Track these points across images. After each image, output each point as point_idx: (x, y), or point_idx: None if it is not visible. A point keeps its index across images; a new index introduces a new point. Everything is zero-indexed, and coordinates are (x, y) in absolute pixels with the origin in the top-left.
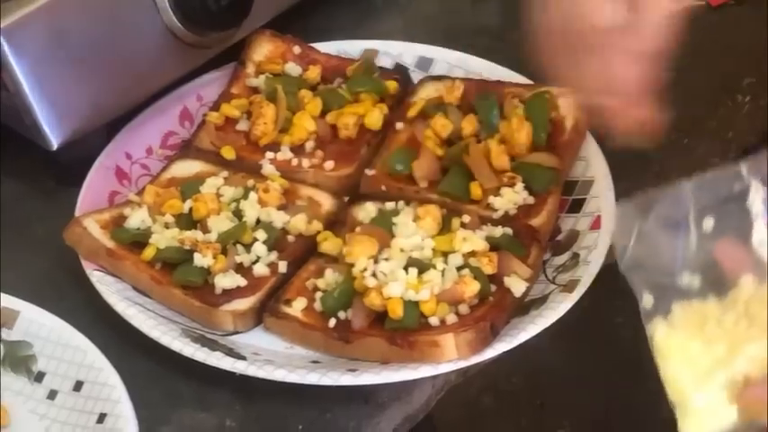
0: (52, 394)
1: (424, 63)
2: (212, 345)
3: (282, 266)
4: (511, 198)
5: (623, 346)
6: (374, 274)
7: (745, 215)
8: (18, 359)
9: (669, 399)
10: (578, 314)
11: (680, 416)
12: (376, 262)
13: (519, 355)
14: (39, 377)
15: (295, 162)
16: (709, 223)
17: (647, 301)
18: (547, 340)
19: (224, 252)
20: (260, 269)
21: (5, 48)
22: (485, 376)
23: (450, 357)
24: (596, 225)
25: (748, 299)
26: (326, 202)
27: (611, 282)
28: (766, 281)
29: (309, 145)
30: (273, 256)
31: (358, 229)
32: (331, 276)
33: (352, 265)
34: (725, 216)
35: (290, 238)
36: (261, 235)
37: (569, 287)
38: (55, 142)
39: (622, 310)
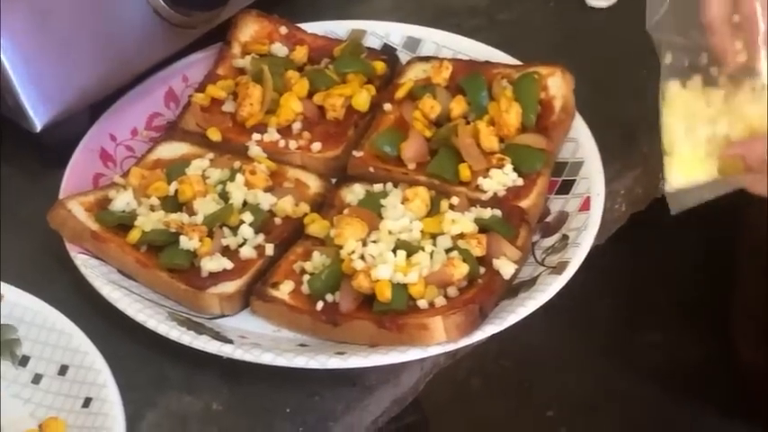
0: (37, 378)
1: (412, 44)
2: (199, 328)
3: (269, 249)
4: (500, 179)
5: (611, 328)
6: (362, 257)
7: None
8: (2, 343)
9: (662, 146)
10: (566, 296)
11: (667, 162)
12: (364, 244)
13: (507, 337)
14: (23, 361)
15: (282, 144)
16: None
17: (667, 58)
18: (535, 322)
19: (210, 235)
20: (247, 252)
21: None
22: (473, 358)
23: (438, 340)
24: (586, 206)
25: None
26: (314, 184)
27: (599, 263)
28: None
29: (296, 126)
30: (260, 238)
31: (346, 211)
32: (318, 259)
33: (339, 248)
34: None
35: (277, 220)
36: (247, 217)
37: (558, 269)
38: (39, 124)
39: (610, 292)
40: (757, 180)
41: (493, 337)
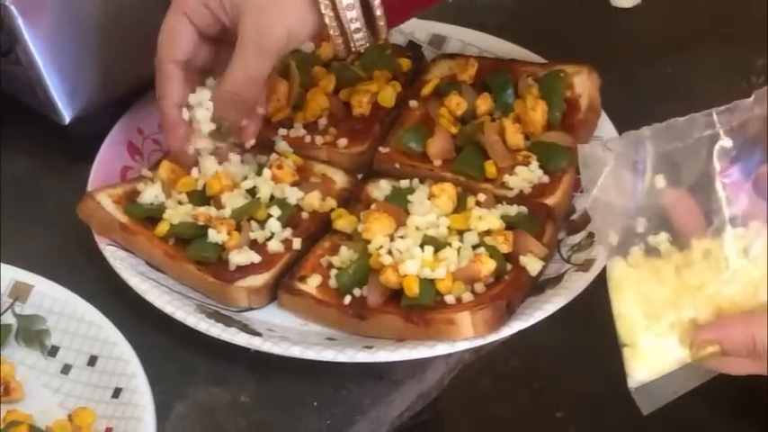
0: (66, 369)
1: (438, 41)
2: (227, 321)
3: (297, 243)
4: (526, 177)
5: None
6: (390, 252)
7: (706, 164)
8: (31, 333)
9: (618, 338)
10: (577, 297)
11: (628, 356)
12: (392, 239)
13: (517, 338)
14: (52, 351)
15: (308, 139)
16: (660, 179)
17: (612, 238)
18: (545, 323)
19: (238, 228)
20: (274, 246)
21: (20, 21)
22: (483, 359)
23: (466, 335)
24: None
25: (701, 252)
26: (340, 180)
27: None
28: (722, 232)
29: (322, 122)
30: (288, 232)
31: (373, 206)
32: (346, 253)
33: (367, 243)
34: (686, 164)
35: (304, 214)
36: (275, 211)
37: (585, 266)
38: (67, 116)
39: None
40: (737, 363)
41: (503, 337)
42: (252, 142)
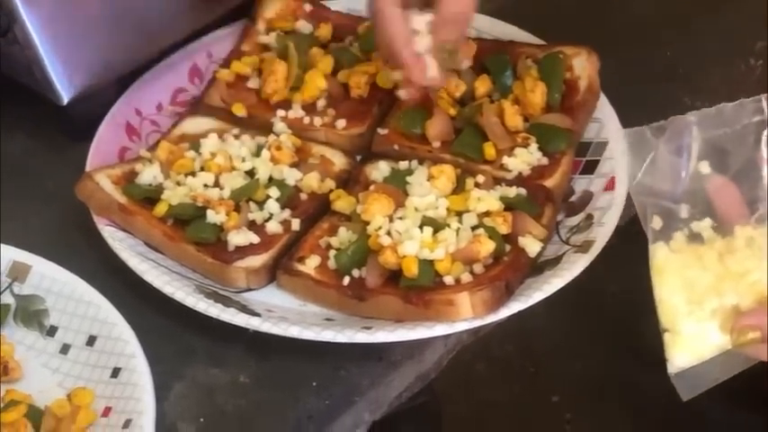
0: (65, 348)
1: None
2: (226, 301)
3: (295, 224)
4: (525, 159)
5: (616, 315)
6: (389, 233)
7: (753, 150)
8: (30, 313)
9: (660, 323)
10: (573, 282)
11: (669, 341)
12: (391, 221)
13: (513, 322)
14: (51, 331)
15: (306, 120)
16: (705, 165)
17: (656, 223)
18: (541, 308)
19: (237, 209)
20: (273, 226)
21: (18, 1)
22: (478, 343)
23: (465, 316)
24: (610, 186)
25: (745, 239)
26: (338, 161)
27: (607, 248)
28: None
29: (321, 103)
30: (286, 213)
31: (372, 187)
32: (345, 234)
33: (366, 224)
34: (732, 150)
35: (303, 195)
36: (274, 192)
37: (584, 248)
38: (65, 97)
39: (616, 280)
40: None
41: (498, 321)
42: (468, 63)
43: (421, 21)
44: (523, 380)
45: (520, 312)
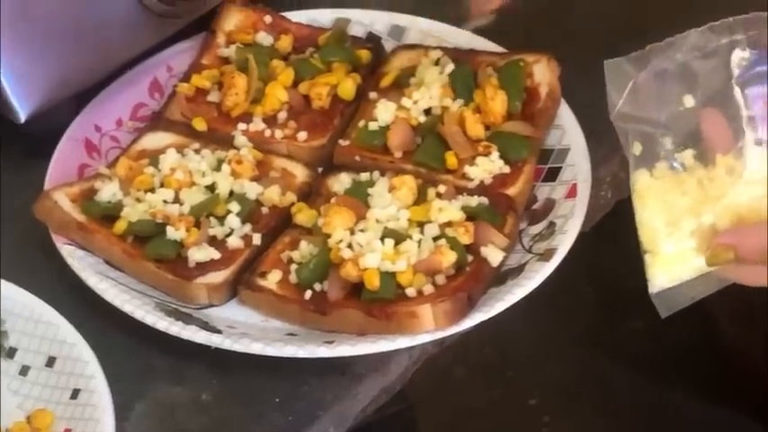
0: (24, 370)
1: (397, 32)
2: (187, 318)
3: (257, 238)
4: (486, 167)
5: (593, 316)
6: (350, 246)
7: (725, 72)
8: None
9: (641, 246)
10: (549, 284)
11: (649, 262)
12: (352, 233)
13: (490, 326)
14: (10, 353)
15: (268, 133)
16: (688, 98)
17: (636, 148)
18: (518, 311)
19: (197, 225)
20: (234, 241)
21: None
22: (456, 348)
23: (427, 328)
24: (572, 193)
25: (725, 167)
26: (300, 173)
27: (582, 251)
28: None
29: (282, 116)
30: (247, 228)
31: (333, 199)
32: (306, 248)
33: (327, 237)
34: (706, 74)
35: (264, 209)
36: (234, 207)
37: (546, 256)
38: (23, 114)
39: (592, 281)
40: (752, 271)
41: (476, 325)
42: None
43: None
44: (500, 384)
45: (496, 316)
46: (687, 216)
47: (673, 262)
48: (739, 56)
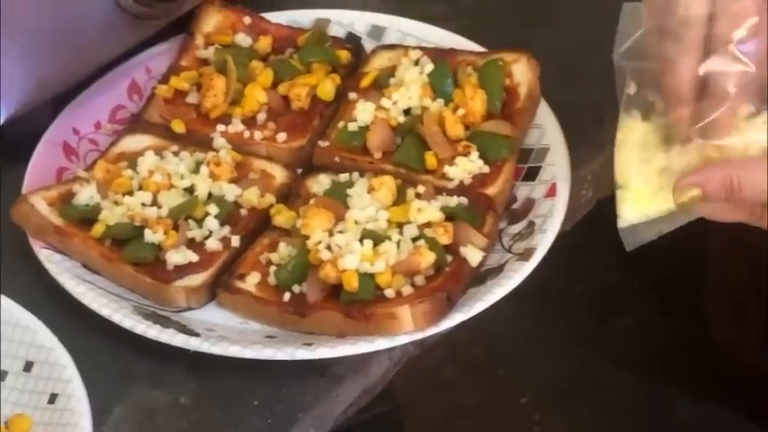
0: (2, 375)
1: (377, 32)
2: (165, 322)
3: (235, 241)
4: (466, 167)
5: (582, 313)
6: (329, 247)
7: None
8: None
9: (614, 181)
10: (538, 283)
11: (620, 196)
12: (331, 234)
13: (479, 325)
14: None
15: (247, 134)
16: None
17: (631, 88)
18: (506, 310)
19: (175, 227)
20: (212, 244)
21: None
22: (445, 347)
23: (406, 329)
24: (552, 193)
25: None
26: (279, 175)
27: (569, 249)
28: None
29: (261, 117)
30: (226, 230)
31: (312, 201)
32: (285, 250)
33: (306, 238)
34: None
35: (243, 211)
36: (213, 209)
37: (526, 255)
38: (0, 118)
39: (581, 278)
40: (717, 209)
41: (464, 325)
42: None
43: None
44: (491, 382)
45: (485, 315)
46: (658, 153)
47: (642, 198)
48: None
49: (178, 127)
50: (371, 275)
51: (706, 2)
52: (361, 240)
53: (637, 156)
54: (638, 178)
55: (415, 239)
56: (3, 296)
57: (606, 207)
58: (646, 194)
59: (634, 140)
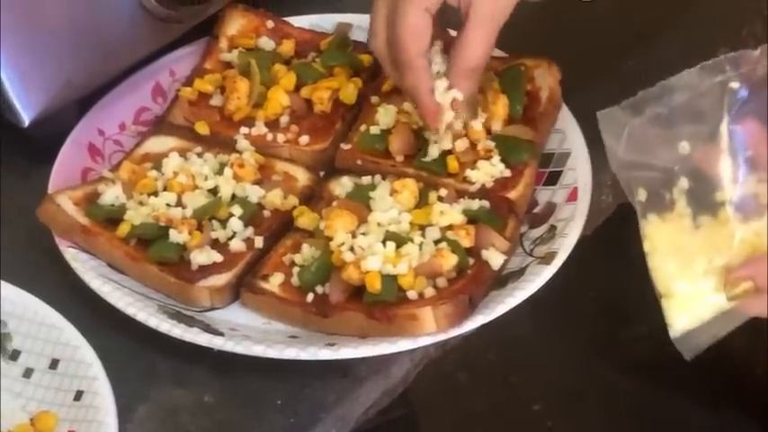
0: (28, 372)
1: None
2: (189, 321)
3: (259, 242)
4: (487, 171)
5: (597, 321)
6: (352, 249)
7: (719, 109)
8: None
9: (656, 291)
10: (552, 290)
11: (666, 306)
12: (354, 236)
13: (493, 331)
14: (14, 355)
15: (270, 137)
16: (685, 145)
17: (641, 195)
18: (521, 316)
19: (200, 228)
20: (236, 245)
21: None
22: (459, 353)
23: (428, 331)
24: (573, 197)
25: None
26: (302, 177)
27: (585, 256)
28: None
29: (284, 120)
30: (249, 231)
31: (335, 203)
32: (308, 251)
33: (329, 240)
34: (702, 112)
35: (266, 213)
36: (236, 210)
37: (547, 259)
38: (27, 119)
39: (596, 286)
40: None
41: (479, 330)
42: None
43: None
44: (505, 389)
45: (500, 321)
46: (699, 256)
47: (690, 303)
48: (732, 93)
49: (202, 129)
50: (394, 277)
51: None
52: (383, 242)
53: (672, 261)
54: (681, 284)
55: (437, 242)
56: (29, 294)
57: (624, 213)
58: (693, 298)
59: (663, 246)
